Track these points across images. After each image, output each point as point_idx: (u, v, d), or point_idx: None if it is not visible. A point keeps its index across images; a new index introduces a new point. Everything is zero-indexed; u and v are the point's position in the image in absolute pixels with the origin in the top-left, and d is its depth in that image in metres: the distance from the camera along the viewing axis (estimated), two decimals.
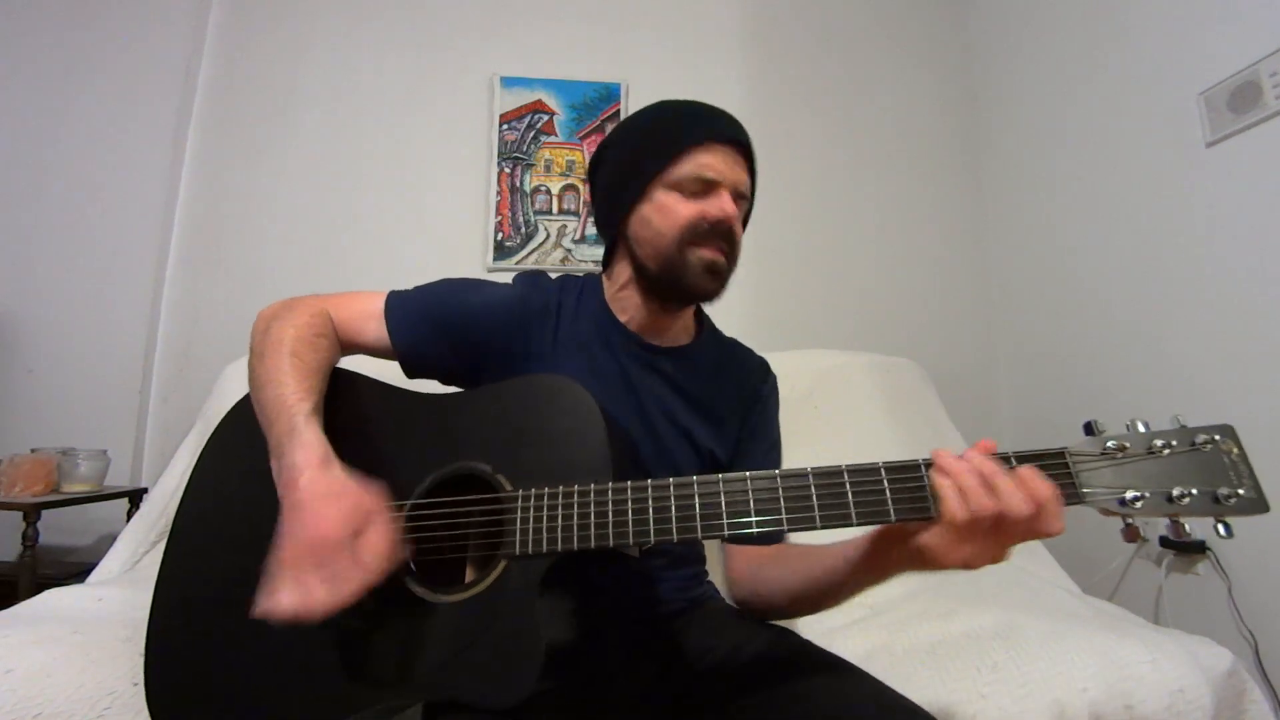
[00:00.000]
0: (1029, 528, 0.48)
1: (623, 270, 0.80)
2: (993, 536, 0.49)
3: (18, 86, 1.87)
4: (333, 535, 0.52)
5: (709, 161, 0.72)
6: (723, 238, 0.73)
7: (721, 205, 0.72)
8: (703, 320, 0.88)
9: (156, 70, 1.92)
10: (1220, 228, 1.36)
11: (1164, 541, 1.43)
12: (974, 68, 2.21)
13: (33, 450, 1.52)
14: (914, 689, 0.76)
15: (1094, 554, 1.60)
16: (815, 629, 0.88)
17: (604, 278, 0.84)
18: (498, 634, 0.56)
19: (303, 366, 0.66)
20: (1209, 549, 1.35)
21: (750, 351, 0.90)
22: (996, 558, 0.50)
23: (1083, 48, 1.74)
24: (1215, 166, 1.37)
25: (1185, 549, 1.38)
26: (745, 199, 0.77)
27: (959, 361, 2.02)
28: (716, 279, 0.74)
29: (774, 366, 0.89)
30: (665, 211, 0.73)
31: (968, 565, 0.50)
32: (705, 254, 0.72)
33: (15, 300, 1.80)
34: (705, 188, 0.73)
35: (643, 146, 0.76)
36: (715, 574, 0.87)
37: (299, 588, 0.50)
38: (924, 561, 0.52)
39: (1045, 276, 1.88)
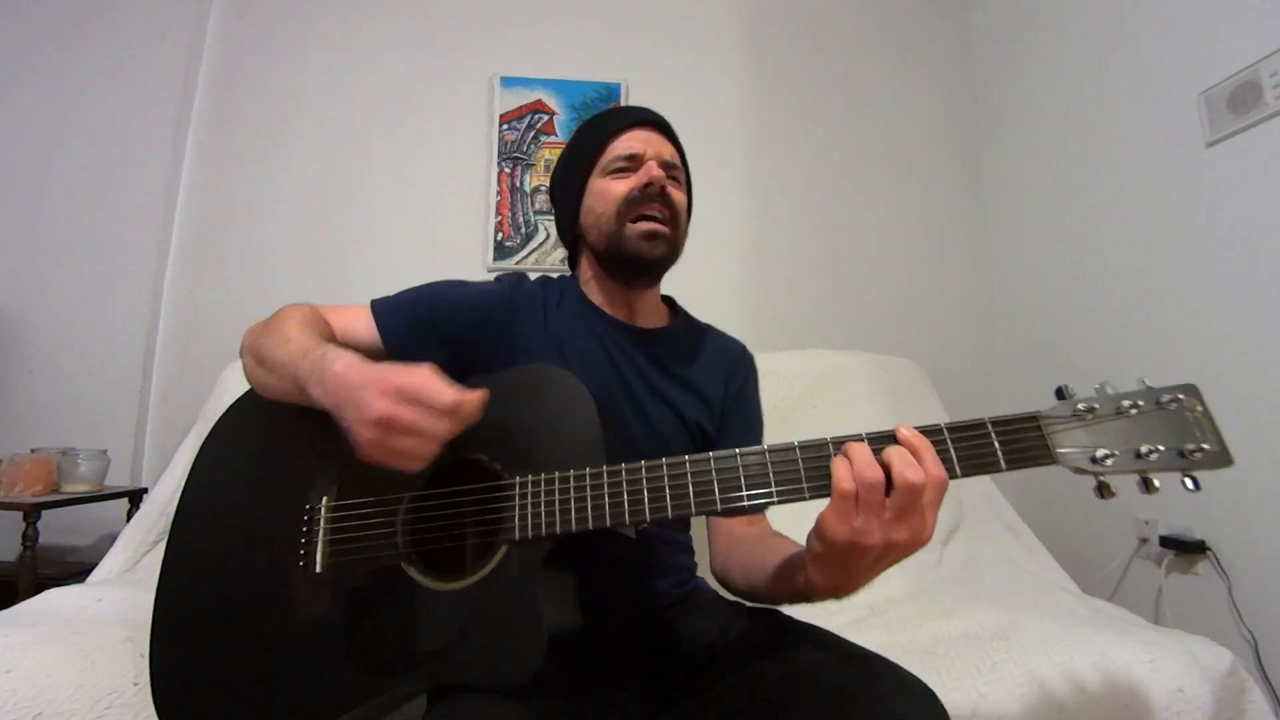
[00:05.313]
0: (929, 496, 0.49)
1: (586, 263, 0.87)
2: (888, 511, 0.49)
3: (18, 87, 1.87)
4: (397, 402, 0.54)
5: (630, 141, 0.82)
6: (658, 200, 0.80)
7: (648, 171, 0.79)
8: (677, 310, 0.93)
9: (156, 70, 1.93)
10: (1220, 228, 1.36)
11: (1164, 541, 1.43)
12: (974, 68, 2.21)
13: (33, 450, 1.52)
14: None
15: (1094, 554, 1.60)
16: None
17: (575, 277, 0.90)
18: (501, 617, 0.56)
19: (313, 332, 0.68)
20: (1209, 549, 1.34)
21: (727, 335, 0.95)
22: (893, 539, 0.50)
23: (1083, 48, 1.74)
24: (1215, 166, 1.37)
25: (1185, 549, 1.38)
26: (675, 166, 0.84)
27: (959, 361, 2.02)
28: (657, 243, 0.79)
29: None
30: (602, 195, 0.81)
31: (858, 539, 0.49)
32: (642, 226, 0.79)
33: (15, 300, 1.80)
34: (633, 163, 0.81)
35: (576, 153, 0.86)
36: (702, 560, 0.88)
37: (392, 458, 0.55)
38: (819, 534, 0.52)
39: (1045, 276, 1.88)
